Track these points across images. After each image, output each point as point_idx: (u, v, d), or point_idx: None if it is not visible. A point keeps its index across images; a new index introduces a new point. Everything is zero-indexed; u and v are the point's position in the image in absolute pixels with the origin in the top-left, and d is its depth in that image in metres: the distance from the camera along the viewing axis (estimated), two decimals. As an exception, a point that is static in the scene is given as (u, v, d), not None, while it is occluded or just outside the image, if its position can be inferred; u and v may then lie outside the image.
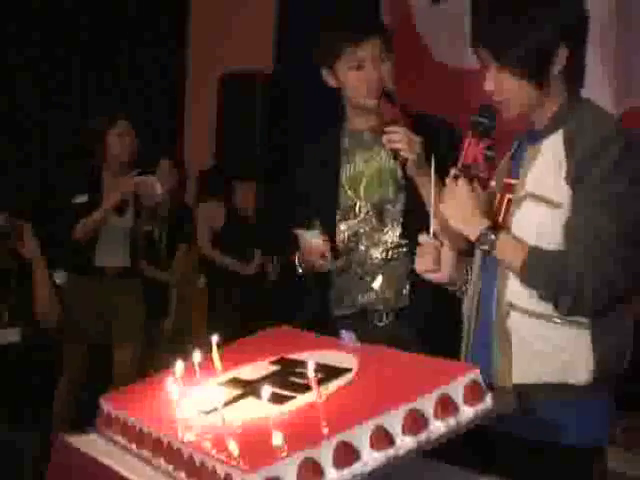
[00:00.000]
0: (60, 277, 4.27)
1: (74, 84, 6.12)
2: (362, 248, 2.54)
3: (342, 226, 2.56)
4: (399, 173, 2.50)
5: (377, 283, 2.53)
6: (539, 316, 1.82)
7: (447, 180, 1.90)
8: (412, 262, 2.42)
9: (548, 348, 1.82)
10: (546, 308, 1.81)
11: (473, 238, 1.86)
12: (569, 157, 1.80)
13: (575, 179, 1.78)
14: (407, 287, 2.50)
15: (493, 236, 1.82)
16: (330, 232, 2.53)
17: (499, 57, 1.84)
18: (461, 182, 1.87)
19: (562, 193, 1.79)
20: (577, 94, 1.91)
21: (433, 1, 4.72)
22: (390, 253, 2.52)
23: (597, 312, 1.79)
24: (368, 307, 2.53)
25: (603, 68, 3.45)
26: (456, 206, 1.87)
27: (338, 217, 2.56)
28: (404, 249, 2.50)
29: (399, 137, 2.34)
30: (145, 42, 6.42)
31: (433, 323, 2.45)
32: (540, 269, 1.77)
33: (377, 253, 2.53)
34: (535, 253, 1.79)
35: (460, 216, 1.87)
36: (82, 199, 4.29)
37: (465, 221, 1.87)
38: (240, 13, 6.18)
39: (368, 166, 2.55)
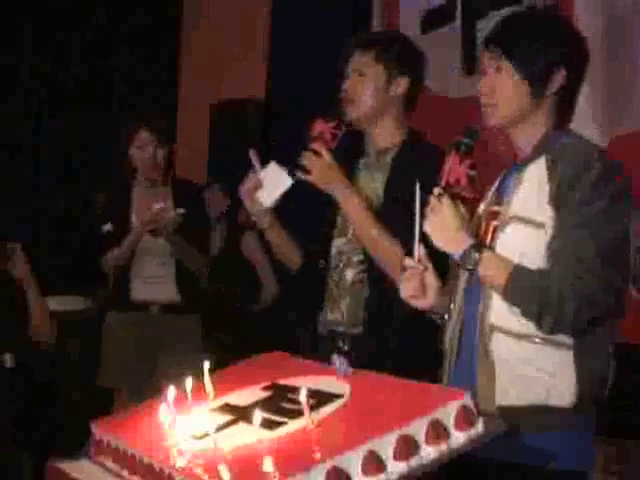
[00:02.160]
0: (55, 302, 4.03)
1: (66, 112, 6.12)
2: (341, 267, 2.55)
3: (335, 242, 2.57)
4: (380, 197, 2.52)
5: (345, 303, 2.52)
6: (521, 337, 1.84)
7: (431, 199, 1.91)
8: (371, 288, 2.43)
9: (531, 370, 1.84)
10: (528, 328, 1.83)
11: (457, 256, 1.88)
12: (551, 180, 1.84)
13: (557, 201, 1.82)
14: (365, 313, 2.47)
15: (477, 254, 1.84)
16: (324, 248, 2.56)
17: (509, 51, 1.90)
18: (445, 201, 1.89)
19: (545, 214, 1.83)
20: (562, 125, 1.95)
21: (422, 31, 4.74)
22: (358, 276, 2.50)
23: (579, 331, 1.82)
24: (334, 328, 2.52)
25: (589, 97, 3.47)
26: (440, 224, 1.89)
27: (334, 234, 2.57)
28: (366, 274, 2.48)
29: (305, 154, 2.42)
30: (138, 73, 6.44)
31: (386, 352, 2.40)
32: (523, 287, 1.80)
33: (350, 274, 2.52)
34: (518, 271, 1.81)
35: (444, 234, 1.89)
36: (108, 227, 3.82)
37: (449, 239, 1.89)
38: (232, 41, 6.21)
39: (366, 186, 2.56)
